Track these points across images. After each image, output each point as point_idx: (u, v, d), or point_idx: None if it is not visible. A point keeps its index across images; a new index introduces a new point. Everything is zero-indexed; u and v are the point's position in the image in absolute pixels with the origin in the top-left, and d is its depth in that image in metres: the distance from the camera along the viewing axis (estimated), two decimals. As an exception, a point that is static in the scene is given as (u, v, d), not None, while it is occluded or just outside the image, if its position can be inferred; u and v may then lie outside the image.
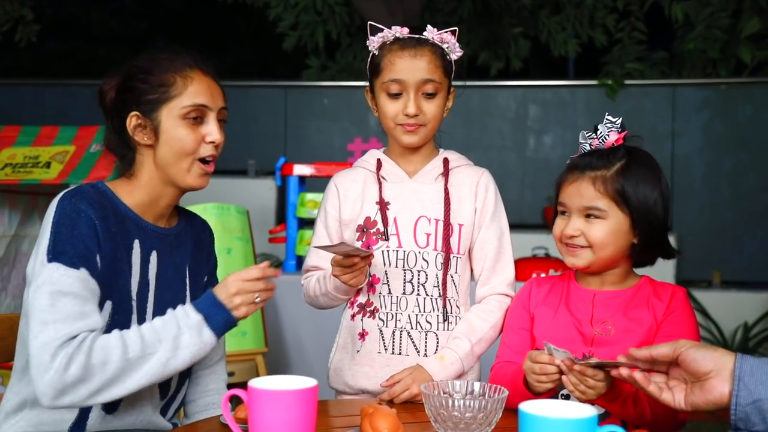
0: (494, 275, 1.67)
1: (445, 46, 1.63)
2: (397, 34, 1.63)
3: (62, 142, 2.92)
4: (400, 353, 1.61)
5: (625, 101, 4.75)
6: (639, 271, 1.56)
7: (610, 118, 1.51)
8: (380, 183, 1.68)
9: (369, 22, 1.68)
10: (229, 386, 1.55)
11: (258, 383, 1.07)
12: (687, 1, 5.08)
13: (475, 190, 1.67)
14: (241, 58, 9.15)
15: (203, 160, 1.47)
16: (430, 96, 1.62)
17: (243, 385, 1.19)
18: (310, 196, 3.27)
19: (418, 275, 1.62)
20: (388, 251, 1.63)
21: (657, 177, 1.49)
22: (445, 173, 1.68)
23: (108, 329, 1.35)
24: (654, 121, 4.77)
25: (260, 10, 6.54)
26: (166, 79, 1.44)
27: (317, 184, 3.62)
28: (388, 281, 1.63)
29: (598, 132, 1.51)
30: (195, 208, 2.95)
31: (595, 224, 1.46)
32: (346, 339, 1.67)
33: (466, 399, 1.21)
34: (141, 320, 1.43)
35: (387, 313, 1.62)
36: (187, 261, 1.56)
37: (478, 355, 1.63)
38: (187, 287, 1.55)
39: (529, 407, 0.97)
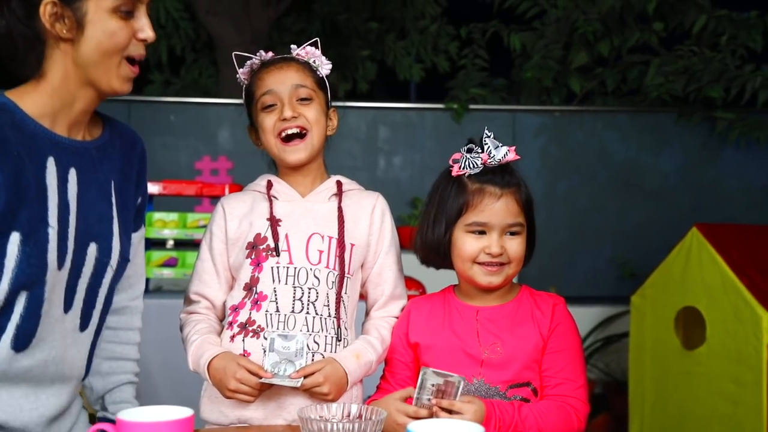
0: (393, 301, 1.67)
1: (312, 61, 1.65)
2: (263, 58, 1.64)
3: None
4: None
5: (470, 125, 4.95)
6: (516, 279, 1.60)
7: (489, 133, 1.51)
8: (271, 201, 1.62)
9: (234, 53, 1.67)
10: (92, 420, 1.43)
11: (127, 415, 0.99)
12: (524, 33, 5.40)
13: (372, 215, 1.66)
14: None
15: (131, 60, 1.31)
16: (306, 101, 1.61)
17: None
18: (158, 215, 3.12)
19: (309, 293, 1.57)
20: (278, 267, 1.58)
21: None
22: (339, 194, 1.67)
23: (21, 264, 1.19)
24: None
25: (99, 22, 6.24)
26: None
27: (165, 202, 3.47)
28: (276, 299, 1.57)
29: (486, 147, 1.49)
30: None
31: (514, 240, 1.48)
32: None
33: (343, 422, 1.19)
34: (62, 248, 1.26)
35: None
36: (112, 178, 1.38)
37: (381, 361, 1.62)
38: (114, 208, 1.37)
39: (417, 427, 0.97)
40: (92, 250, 1.33)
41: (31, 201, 1.22)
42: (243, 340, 1.57)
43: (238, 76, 1.68)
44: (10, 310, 1.21)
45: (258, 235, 1.61)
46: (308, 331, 1.56)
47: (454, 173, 1.52)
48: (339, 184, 1.68)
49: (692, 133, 4.99)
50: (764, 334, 2.92)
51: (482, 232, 1.48)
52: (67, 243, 1.28)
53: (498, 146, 1.49)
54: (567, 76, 5.17)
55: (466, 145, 1.52)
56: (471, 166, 1.49)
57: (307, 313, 1.57)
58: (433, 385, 1.35)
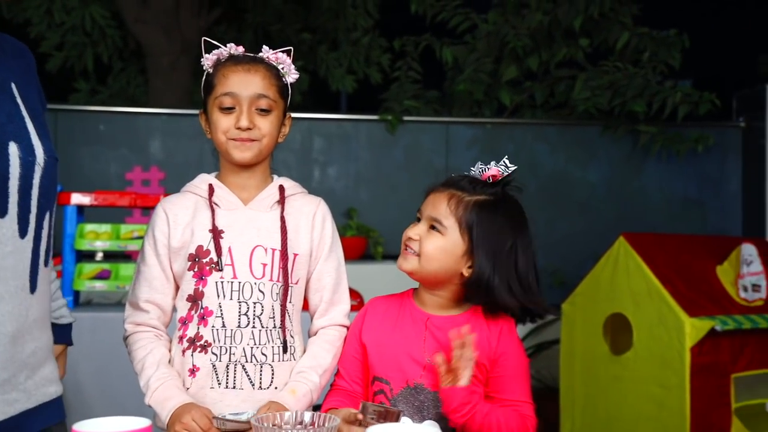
0: (332, 307, 1.67)
1: (280, 66, 1.63)
2: (232, 52, 1.61)
3: None
4: (234, 387, 1.56)
5: (404, 136, 5.00)
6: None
7: (506, 162, 1.56)
8: (213, 210, 1.60)
9: (204, 38, 1.63)
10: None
11: (84, 426, 0.98)
12: (456, 46, 5.49)
13: (313, 221, 1.66)
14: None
15: None
16: (264, 112, 1.59)
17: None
18: (90, 227, 3.04)
19: (254, 307, 1.57)
20: (222, 282, 1.57)
21: (517, 227, 1.53)
22: (281, 201, 1.64)
23: None
24: (430, 156, 5.07)
25: (20, 27, 6.05)
26: None
27: (96, 213, 3.39)
28: (222, 314, 1.56)
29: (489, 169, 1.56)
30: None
31: (432, 236, 1.52)
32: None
33: (297, 428, 1.20)
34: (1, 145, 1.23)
35: (221, 347, 1.56)
36: (11, 80, 1.33)
37: (324, 387, 1.62)
38: (22, 109, 1.33)
39: (375, 430, 0.98)
40: (13, 149, 1.28)
41: None
42: (192, 355, 1.57)
43: (202, 60, 1.64)
44: None
45: (200, 247, 1.59)
46: (255, 344, 1.57)
47: None
48: (282, 189, 1.67)
49: (617, 146, 5.16)
50: (687, 338, 3.04)
51: (419, 220, 1.56)
52: None
53: (499, 165, 1.56)
54: (497, 90, 5.28)
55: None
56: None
57: (253, 327, 1.57)
58: (374, 411, 1.40)
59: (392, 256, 4.56)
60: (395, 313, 1.59)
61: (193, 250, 1.59)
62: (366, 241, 4.50)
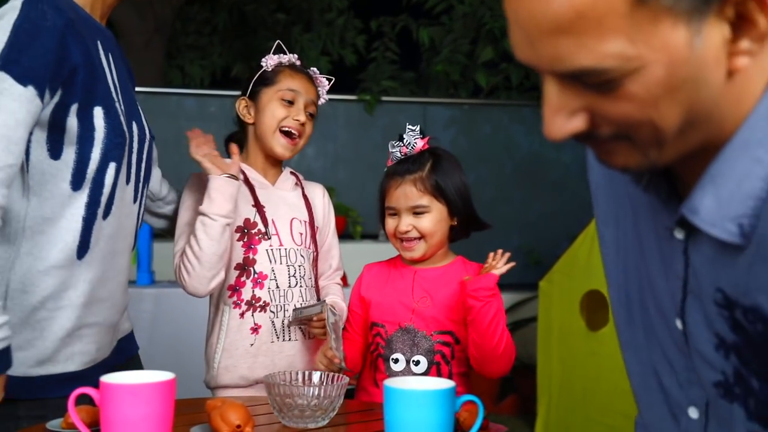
0: (336, 272, 2.00)
1: (319, 89, 1.93)
2: (294, 62, 1.92)
3: None
4: (290, 339, 1.84)
5: (382, 116, 5.01)
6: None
7: (410, 127, 1.80)
8: (253, 188, 1.86)
9: (278, 41, 1.94)
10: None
11: (112, 378, 1.00)
12: (433, 27, 5.51)
13: (324, 201, 1.99)
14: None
15: None
16: (311, 117, 1.90)
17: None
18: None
19: (299, 269, 1.86)
20: (272, 249, 1.84)
21: (459, 166, 1.81)
22: (299, 183, 1.97)
23: (108, 135, 1.33)
24: (407, 136, 5.09)
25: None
26: None
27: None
28: (275, 277, 1.83)
29: (405, 140, 1.78)
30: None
31: (422, 218, 1.73)
32: (234, 338, 1.81)
33: (307, 387, 1.24)
34: (126, 122, 1.39)
35: (277, 305, 1.83)
36: (125, 66, 1.53)
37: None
38: (133, 92, 1.52)
39: (393, 383, 1.01)
40: (134, 127, 1.48)
41: (100, 78, 1.36)
42: (252, 315, 1.82)
43: (266, 59, 1.88)
44: (102, 182, 1.35)
45: (247, 219, 1.84)
46: (303, 301, 1.85)
47: (388, 164, 1.80)
48: (295, 174, 1.97)
49: (591, 127, 5.23)
50: (662, 313, 3.11)
51: (395, 214, 1.76)
52: (120, 119, 1.41)
53: (415, 138, 1.77)
54: (474, 71, 5.31)
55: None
56: (394, 158, 1.78)
57: (300, 286, 1.86)
58: (332, 323, 1.68)
59: (371, 236, 4.59)
60: (387, 272, 1.84)
61: (240, 223, 1.83)
62: (345, 220, 4.52)
